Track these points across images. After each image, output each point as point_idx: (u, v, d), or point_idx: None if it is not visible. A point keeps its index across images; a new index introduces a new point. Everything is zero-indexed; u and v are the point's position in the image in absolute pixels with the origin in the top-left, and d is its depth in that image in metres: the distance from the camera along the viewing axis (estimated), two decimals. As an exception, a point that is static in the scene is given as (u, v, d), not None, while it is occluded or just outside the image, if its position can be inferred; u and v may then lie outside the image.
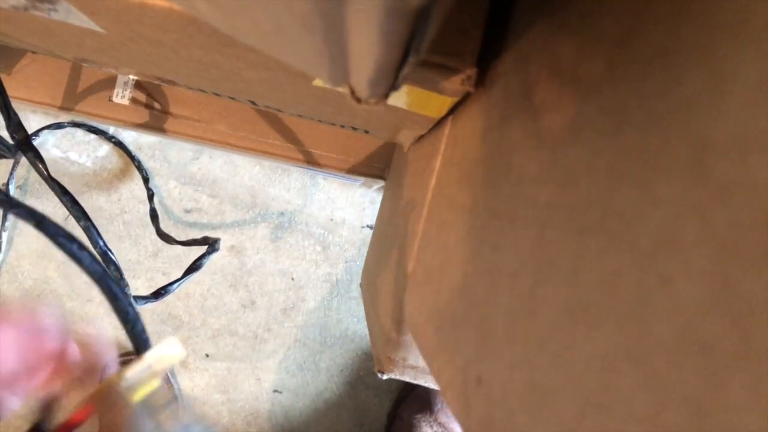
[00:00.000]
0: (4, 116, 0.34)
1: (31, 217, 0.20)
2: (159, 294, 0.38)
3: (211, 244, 0.54)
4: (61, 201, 0.40)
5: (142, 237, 0.59)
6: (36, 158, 0.35)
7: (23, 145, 0.33)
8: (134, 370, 0.14)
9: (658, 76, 0.10)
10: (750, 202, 0.07)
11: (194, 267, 0.55)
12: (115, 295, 0.20)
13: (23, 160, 0.55)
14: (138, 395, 0.13)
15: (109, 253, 0.43)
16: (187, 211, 0.60)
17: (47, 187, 0.40)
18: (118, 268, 0.44)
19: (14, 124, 0.33)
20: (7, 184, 0.57)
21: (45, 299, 0.58)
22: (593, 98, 0.12)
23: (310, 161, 0.50)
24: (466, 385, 0.16)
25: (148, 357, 0.14)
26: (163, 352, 0.15)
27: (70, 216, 0.41)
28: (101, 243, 0.42)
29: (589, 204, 0.11)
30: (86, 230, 0.41)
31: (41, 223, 0.20)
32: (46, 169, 0.36)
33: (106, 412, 0.13)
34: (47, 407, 0.15)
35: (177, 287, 0.40)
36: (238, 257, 0.60)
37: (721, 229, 0.07)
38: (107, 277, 0.20)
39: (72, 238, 0.20)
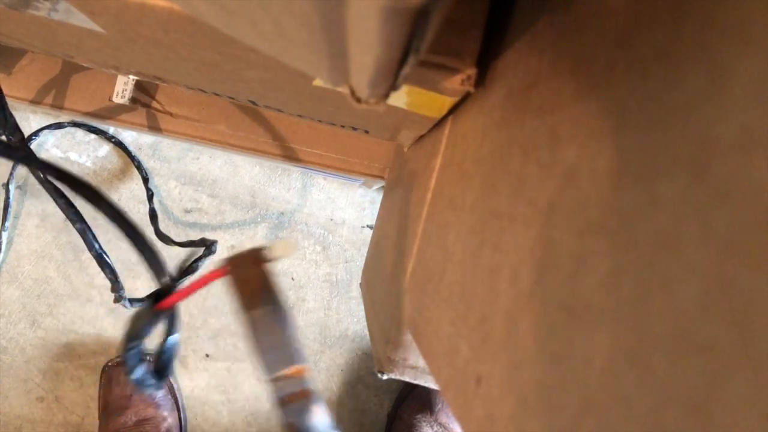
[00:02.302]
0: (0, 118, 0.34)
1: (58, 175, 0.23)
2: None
3: (207, 246, 0.54)
4: (57, 204, 0.40)
5: (142, 237, 0.59)
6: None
7: (19, 148, 0.33)
8: (273, 245, 0.19)
9: (658, 76, 0.10)
10: (750, 202, 0.07)
11: (190, 269, 0.55)
12: (134, 231, 0.24)
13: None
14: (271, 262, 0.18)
15: (104, 255, 0.43)
16: (187, 211, 0.60)
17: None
18: (113, 271, 0.44)
19: (11, 126, 0.33)
20: (7, 185, 0.57)
21: (45, 299, 0.58)
22: (593, 98, 0.12)
23: (311, 161, 0.50)
24: (466, 385, 0.16)
25: (279, 242, 0.19)
26: (282, 245, 0.19)
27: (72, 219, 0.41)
28: (96, 246, 0.42)
29: (589, 204, 0.11)
30: (82, 233, 0.41)
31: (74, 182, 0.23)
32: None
33: (245, 271, 0.17)
34: None
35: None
36: (238, 257, 0.60)
37: (721, 229, 0.07)
38: (123, 213, 0.24)
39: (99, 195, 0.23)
